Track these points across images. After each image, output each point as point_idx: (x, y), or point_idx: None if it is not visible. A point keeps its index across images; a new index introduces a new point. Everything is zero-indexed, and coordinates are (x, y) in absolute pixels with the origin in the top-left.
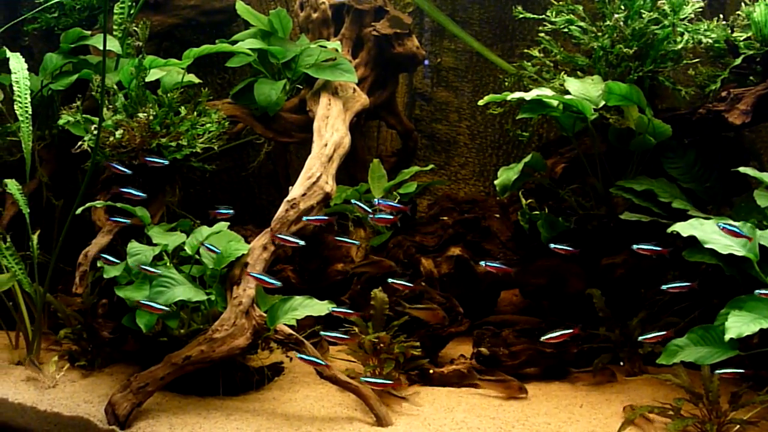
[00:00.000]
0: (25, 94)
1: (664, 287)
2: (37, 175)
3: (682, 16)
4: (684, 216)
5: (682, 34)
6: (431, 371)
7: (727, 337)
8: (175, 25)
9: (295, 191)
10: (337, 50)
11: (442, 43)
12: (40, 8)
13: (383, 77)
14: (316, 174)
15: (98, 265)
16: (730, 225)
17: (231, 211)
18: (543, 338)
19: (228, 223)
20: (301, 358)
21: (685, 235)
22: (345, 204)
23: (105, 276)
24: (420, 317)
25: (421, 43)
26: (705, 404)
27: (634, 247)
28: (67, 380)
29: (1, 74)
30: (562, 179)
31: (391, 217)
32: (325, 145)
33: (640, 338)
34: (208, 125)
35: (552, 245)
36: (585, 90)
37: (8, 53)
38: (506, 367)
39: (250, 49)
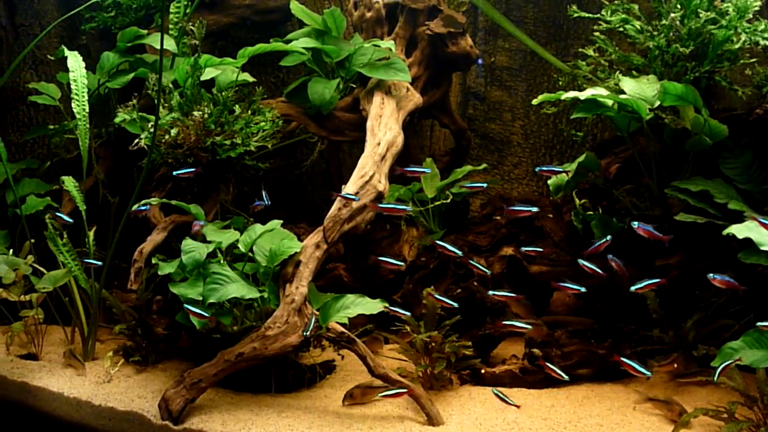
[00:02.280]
0: (83, 92)
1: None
2: (94, 173)
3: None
4: (740, 217)
5: (739, 34)
6: (483, 371)
7: None
8: (229, 25)
9: (348, 190)
10: (390, 49)
11: (496, 42)
12: (90, 1)
13: (437, 76)
14: (369, 173)
15: (153, 261)
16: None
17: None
18: None
19: (281, 221)
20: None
21: (740, 237)
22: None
23: (159, 273)
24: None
25: (475, 42)
26: (760, 408)
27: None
28: (121, 375)
29: (60, 72)
30: (616, 179)
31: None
32: (378, 144)
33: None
34: (262, 124)
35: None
36: (640, 90)
37: (66, 52)
38: (558, 367)
39: (304, 48)
